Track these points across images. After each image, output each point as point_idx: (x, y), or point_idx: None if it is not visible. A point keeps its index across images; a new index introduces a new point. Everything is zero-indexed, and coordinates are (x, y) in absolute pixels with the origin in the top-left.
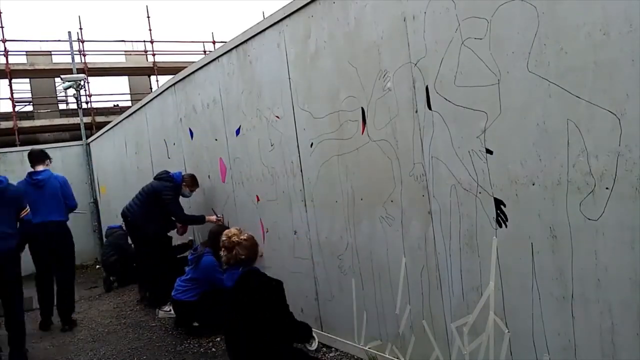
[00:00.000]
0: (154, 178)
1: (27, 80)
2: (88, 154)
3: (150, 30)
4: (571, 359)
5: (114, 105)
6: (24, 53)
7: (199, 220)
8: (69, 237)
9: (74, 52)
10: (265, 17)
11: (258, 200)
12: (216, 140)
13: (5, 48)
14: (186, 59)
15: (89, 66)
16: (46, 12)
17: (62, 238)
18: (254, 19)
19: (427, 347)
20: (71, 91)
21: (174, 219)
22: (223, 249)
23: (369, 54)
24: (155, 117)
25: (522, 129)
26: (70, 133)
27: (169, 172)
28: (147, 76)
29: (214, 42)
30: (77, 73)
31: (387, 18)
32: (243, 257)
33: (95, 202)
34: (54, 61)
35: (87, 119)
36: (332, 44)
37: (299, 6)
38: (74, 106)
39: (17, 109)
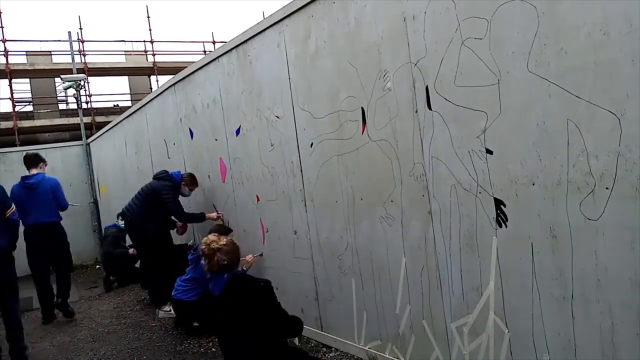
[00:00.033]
0: (153, 178)
1: (27, 80)
2: (88, 154)
3: (150, 30)
4: (571, 359)
5: (114, 105)
6: (24, 53)
7: (200, 218)
8: (62, 235)
9: (74, 52)
10: (265, 17)
11: (258, 200)
12: (216, 140)
13: (5, 48)
14: (186, 59)
15: (89, 66)
16: (46, 12)
17: (56, 236)
18: (254, 19)
19: (427, 347)
20: (71, 91)
21: (174, 218)
22: (204, 258)
23: (369, 54)
24: (155, 117)
25: (522, 129)
26: (70, 133)
27: (168, 172)
28: (147, 76)
29: (214, 42)
30: (77, 73)
31: (387, 18)
32: (225, 262)
33: (95, 202)
34: (54, 61)
35: (87, 119)
36: (332, 44)
37: (299, 6)
38: (74, 106)
39: (17, 109)
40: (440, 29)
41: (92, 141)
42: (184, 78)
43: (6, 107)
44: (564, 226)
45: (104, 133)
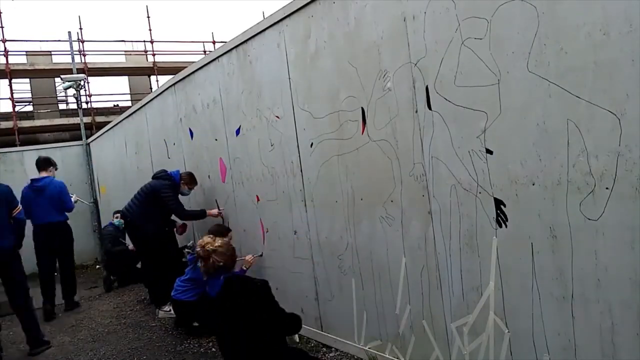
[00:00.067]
0: (152, 177)
1: (27, 80)
2: (88, 154)
3: (150, 30)
4: (571, 359)
5: (114, 105)
6: (24, 53)
7: (201, 215)
8: (68, 232)
9: (74, 52)
10: (265, 17)
11: (258, 200)
12: (216, 140)
13: (5, 48)
14: (186, 59)
15: (89, 66)
16: (46, 12)
17: (62, 234)
18: (254, 19)
19: (427, 347)
20: (71, 91)
21: (175, 216)
22: (199, 260)
23: (369, 54)
24: (155, 117)
25: (522, 129)
26: (70, 133)
27: (167, 171)
28: (147, 76)
29: (214, 42)
30: (77, 73)
31: (387, 18)
32: (221, 263)
33: (95, 202)
34: (54, 61)
35: (87, 119)
36: (332, 44)
37: (299, 6)
38: (74, 106)
39: (17, 109)
40: (440, 29)
41: (92, 141)
42: (184, 78)
43: (6, 107)
44: (564, 226)
45: (104, 133)
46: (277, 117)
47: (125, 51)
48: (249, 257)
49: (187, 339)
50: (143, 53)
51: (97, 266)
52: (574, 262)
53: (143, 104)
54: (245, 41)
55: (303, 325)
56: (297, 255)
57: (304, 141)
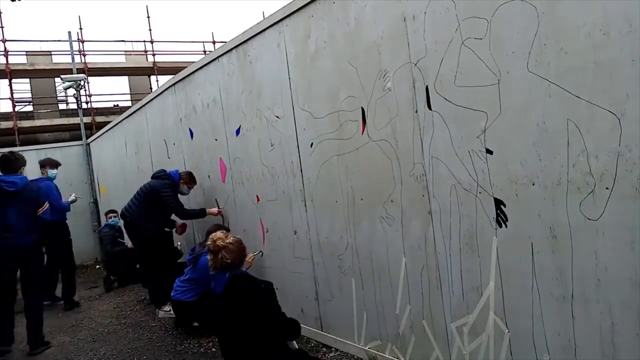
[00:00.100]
0: (152, 177)
1: (27, 80)
2: (88, 154)
3: (150, 30)
4: (571, 359)
5: (114, 105)
6: (24, 53)
7: (201, 214)
8: (62, 233)
9: (74, 52)
10: (265, 17)
11: (258, 200)
12: (216, 140)
13: (5, 48)
14: (186, 59)
15: (89, 66)
16: (46, 12)
17: (57, 235)
18: (254, 19)
19: (427, 347)
20: (71, 91)
21: (175, 216)
22: (209, 253)
23: (369, 54)
24: (155, 117)
25: (522, 129)
26: (70, 133)
27: (166, 171)
28: (147, 76)
29: (214, 42)
30: (77, 73)
31: (387, 18)
32: (229, 261)
33: (95, 202)
34: (54, 61)
35: (87, 119)
36: (332, 44)
37: (299, 6)
38: (74, 106)
39: (17, 109)
40: (440, 29)
41: (92, 141)
42: (184, 78)
43: (6, 107)
44: (564, 226)
45: (104, 133)
46: (277, 117)
47: (125, 51)
48: (249, 257)
49: (187, 339)
50: (143, 53)
51: (97, 266)
52: (574, 262)
53: (143, 104)
54: (245, 41)
55: (303, 325)
56: (297, 255)
57: (304, 141)
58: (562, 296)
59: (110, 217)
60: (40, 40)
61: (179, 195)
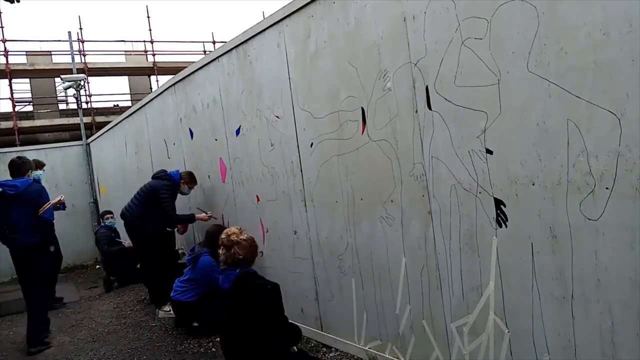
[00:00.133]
0: (152, 177)
1: (27, 80)
2: (88, 154)
3: (150, 30)
4: (571, 359)
5: (114, 105)
6: (24, 53)
7: (190, 219)
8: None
9: (74, 52)
10: (265, 17)
11: (258, 200)
12: (216, 140)
13: (5, 48)
14: (186, 59)
15: (89, 66)
16: (46, 12)
17: None
18: (254, 19)
19: (427, 347)
20: (71, 91)
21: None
22: (222, 247)
23: (369, 54)
24: (155, 117)
25: (522, 129)
26: (70, 133)
27: (167, 171)
28: (147, 76)
29: (214, 42)
30: (77, 73)
31: (387, 18)
32: (241, 257)
33: (95, 202)
34: (54, 61)
35: (87, 119)
36: (332, 44)
37: (299, 6)
38: (74, 106)
39: (17, 109)
40: (440, 29)
41: (92, 141)
42: (184, 78)
43: (6, 107)
44: (564, 226)
45: (104, 133)
46: (277, 117)
47: (125, 51)
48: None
49: (187, 339)
50: (143, 53)
51: (97, 266)
52: (574, 262)
53: (143, 104)
54: (245, 41)
55: (303, 326)
56: (297, 255)
57: (304, 141)
58: (562, 296)
59: (107, 219)
60: (40, 40)
61: (180, 195)
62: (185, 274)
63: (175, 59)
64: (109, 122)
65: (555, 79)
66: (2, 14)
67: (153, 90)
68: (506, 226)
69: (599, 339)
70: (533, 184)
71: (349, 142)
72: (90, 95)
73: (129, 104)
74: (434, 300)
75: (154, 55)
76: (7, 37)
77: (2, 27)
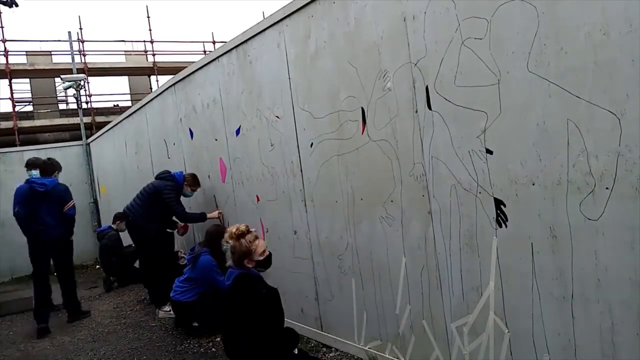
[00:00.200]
0: (155, 177)
1: (27, 80)
2: (88, 154)
3: (150, 30)
4: (571, 359)
5: (114, 105)
6: (24, 53)
7: (201, 218)
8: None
9: (74, 52)
10: (265, 17)
11: (258, 200)
12: (216, 140)
13: (5, 48)
14: (186, 59)
15: (89, 66)
16: (46, 12)
17: None
18: (254, 19)
19: (427, 347)
20: (71, 91)
21: (176, 218)
22: (232, 240)
23: (369, 54)
24: (155, 117)
25: (522, 129)
26: (70, 133)
27: (170, 172)
28: (147, 76)
29: (214, 42)
30: (77, 73)
31: (387, 18)
32: (249, 246)
33: (95, 202)
34: (54, 61)
35: (87, 119)
36: (332, 44)
37: (299, 6)
38: (74, 106)
39: (17, 109)
40: (440, 29)
41: (92, 141)
42: (184, 78)
43: (6, 107)
44: (564, 226)
45: (104, 133)
46: (277, 117)
47: (125, 51)
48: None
49: (187, 339)
50: (143, 53)
51: (97, 266)
52: (574, 262)
53: (143, 104)
54: (245, 41)
55: (303, 326)
56: (297, 255)
57: (304, 141)
58: (562, 296)
59: (118, 224)
60: (40, 40)
61: (181, 198)
62: (184, 274)
63: (175, 59)
64: (109, 122)
65: (555, 79)
66: (2, 14)
67: (153, 90)
68: (506, 226)
69: (599, 339)
70: (533, 184)
71: (349, 142)
72: (90, 95)
73: (129, 104)
74: (434, 300)
75: (154, 55)
76: (7, 37)
77: (2, 27)
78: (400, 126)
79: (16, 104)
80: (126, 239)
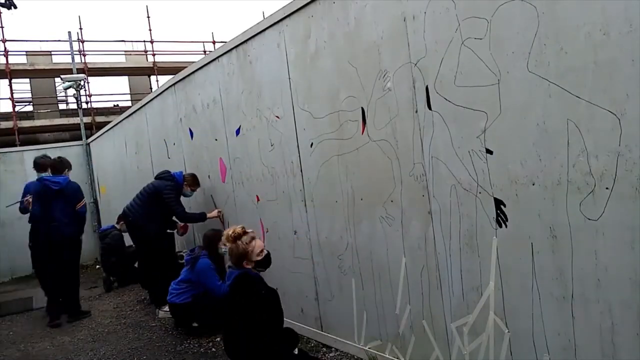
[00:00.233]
0: (155, 177)
1: (27, 80)
2: (88, 154)
3: (150, 30)
4: (571, 359)
5: (114, 105)
6: (24, 53)
7: (201, 218)
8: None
9: (74, 52)
10: (265, 17)
11: (258, 200)
12: (216, 140)
13: (5, 48)
14: (186, 59)
15: (89, 66)
16: (46, 12)
17: None
18: (254, 19)
19: (427, 347)
20: (71, 91)
21: (175, 218)
22: (228, 242)
23: (369, 54)
24: (155, 117)
25: (522, 129)
26: (70, 133)
27: (170, 172)
28: (147, 76)
29: (214, 42)
30: (77, 73)
31: (387, 18)
32: (246, 246)
33: (95, 202)
34: (54, 61)
35: (87, 119)
36: (332, 44)
37: (299, 6)
38: (74, 106)
39: (17, 109)
40: (440, 29)
41: (92, 141)
42: (184, 78)
43: (6, 107)
44: (564, 226)
45: (104, 133)
46: (277, 117)
47: (125, 51)
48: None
49: (187, 339)
50: (143, 53)
51: (97, 266)
52: (574, 262)
53: (143, 104)
54: (245, 41)
55: (303, 326)
56: (297, 255)
57: (304, 141)
58: (562, 296)
59: (121, 225)
60: (40, 40)
61: (181, 198)
62: (182, 275)
63: (175, 59)
64: (109, 122)
65: (555, 79)
66: (1, 14)
67: (153, 90)
68: (506, 226)
69: (599, 339)
70: (533, 184)
71: (349, 142)
72: (90, 95)
73: (129, 104)
74: (434, 300)
75: (154, 55)
76: (7, 37)
77: (2, 27)
78: (400, 126)
79: (16, 104)
80: (129, 239)
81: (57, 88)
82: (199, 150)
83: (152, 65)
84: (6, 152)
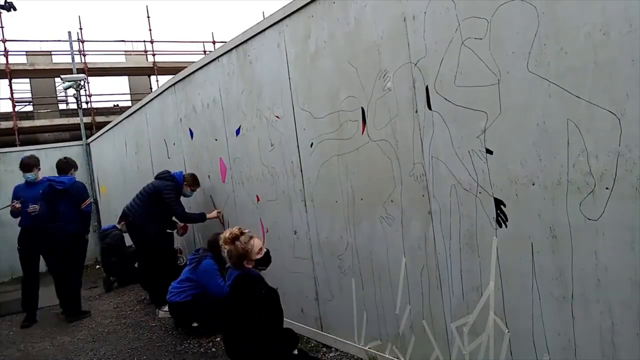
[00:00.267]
0: (155, 177)
1: (27, 80)
2: (88, 154)
3: (150, 30)
4: (571, 359)
5: (114, 105)
6: (24, 53)
7: (201, 218)
8: None
9: (74, 52)
10: (265, 17)
11: (258, 200)
12: (216, 140)
13: (5, 48)
14: (186, 59)
15: (89, 66)
16: (46, 12)
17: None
18: (254, 19)
19: (427, 347)
20: (71, 91)
21: (175, 218)
22: (225, 245)
23: (369, 54)
24: (155, 117)
25: (522, 129)
26: (70, 133)
27: (170, 172)
28: (147, 76)
29: (214, 42)
30: (77, 73)
31: (387, 18)
32: (245, 246)
33: (95, 202)
34: (54, 61)
35: (87, 119)
36: (332, 44)
37: (299, 6)
38: (74, 106)
39: (17, 109)
40: (440, 29)
41: (92, 141)
42: (184, 78)
43: (6, 107)
44: (564, 226)
45: (104, 133)
46: (277, 117)
47: (125, 51)
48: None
49: (187, 339)
50: (143, 53)
51: (97, 266)
52: (574, 262)
53: (143, 104)
54: (245, 41)
55: (303, 326)
56: (297, 255)
57: (304, 141)
58: (562, 296)
59: (122, 225)
60: (40, 40)
61: (181, 198)
62: (183, 274)
63: (175, 59)
64: (109, 122)
65: (555, 79)
66: (1, 14)
67: (153, 90)
68: (506, 226)
69: (599, 339)
70: (533, 184)
71: (349, 142)
72: (90, 95)
73: (129, 104)
74: (434, 300)
75: (154, 55)
76: (7, 37)
77: (2, 27)
78: (400, 126)
79: (16, 104)
80: (129, 239)
81: (57, 88)
82: (199, 150)
83: (152, 65)
84: (6, 152)
